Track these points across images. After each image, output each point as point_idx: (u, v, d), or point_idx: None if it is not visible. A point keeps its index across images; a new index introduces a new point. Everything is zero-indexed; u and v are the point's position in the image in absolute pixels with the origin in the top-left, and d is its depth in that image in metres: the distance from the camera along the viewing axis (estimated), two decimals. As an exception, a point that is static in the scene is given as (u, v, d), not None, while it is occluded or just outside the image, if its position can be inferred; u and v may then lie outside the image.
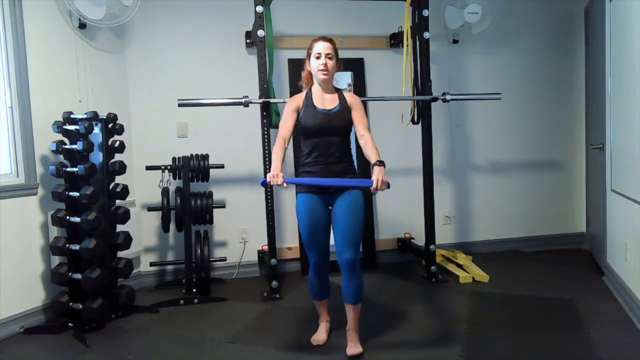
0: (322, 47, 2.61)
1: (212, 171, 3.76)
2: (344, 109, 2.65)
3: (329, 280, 2.76)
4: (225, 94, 3.65)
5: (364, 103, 4.22)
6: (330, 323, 2.81)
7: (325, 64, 2.59)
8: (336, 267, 2.62)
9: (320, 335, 2.74)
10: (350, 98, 2.70)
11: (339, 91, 2.72)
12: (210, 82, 4.04)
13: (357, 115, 2.66)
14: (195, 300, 3.49)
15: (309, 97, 2.67)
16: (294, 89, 4.17)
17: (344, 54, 4.23)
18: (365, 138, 2.60)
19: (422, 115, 3.77)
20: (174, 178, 3.70)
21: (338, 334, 2.78)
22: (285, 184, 2.43)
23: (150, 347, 2.79)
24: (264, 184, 2.50)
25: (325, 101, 2.65)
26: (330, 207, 2.63)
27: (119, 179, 3.34)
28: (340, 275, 2.59)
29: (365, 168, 4.29)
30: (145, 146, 3.96)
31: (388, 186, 2.44)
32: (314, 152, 2.61)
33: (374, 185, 2.42)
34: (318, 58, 2.61)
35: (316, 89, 2.68)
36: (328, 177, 2.58)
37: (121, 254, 3.34)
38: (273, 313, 3.27)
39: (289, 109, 2.66)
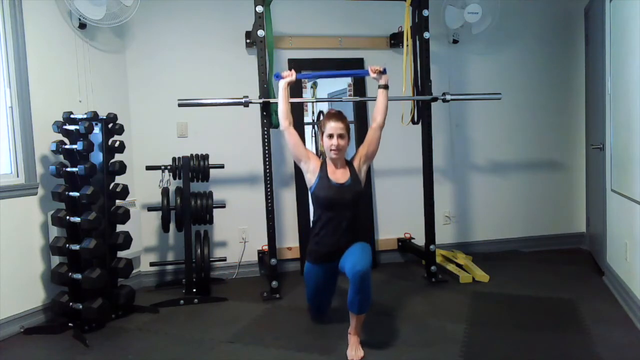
0: (333, 127, 2.77)
1: (212, 171, 3.76)
2: (355, 180, 2.85)
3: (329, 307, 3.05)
4: (225, 94, 3.65)
5: (364, 103, 4.26)
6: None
7: (338, 145, 2.77)
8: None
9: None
10: (356, 162, 2.90)
11: (349, 164, 2.89)
12: (210, 82, 4.04)
13: (362, 148, 2.95)
14: (195, 300, 3.49)
15: (324, 168, 2.84)
16: (294, 89, 4.17)
17: (344, 54, 4.28)
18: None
19: (422, 115, 3.76)
20: (174, 178, 3.70)
21: (338, 333, 2.78)
22: (294, 78, 3.02)
23: (150, 347, 2.79)
24: (278, 76, 3.03)
25: (338, 175, 2.83)
26: (337, 263, 2.80)
27: (119, 179, 3.34)
28: (345, 276, 2.62)
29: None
30: (145, 146, 3.95)
31: (384, 71, 2.96)
32: (327, 224, 2.80)
33: (370, 69, 2.99)
34: (330, 137, 2.78)
35: (329, 162, 2.85)
36: (337, 246, 2.78)
37: (121, 254, 3.34)
38: (273, 313, 3.27)
39: (311, 152, 2.93)
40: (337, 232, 2.78)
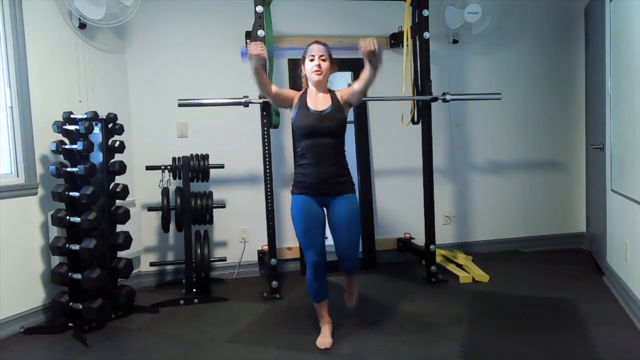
0: (315, 49, 2.70)
1: (212, 171, 3.76)
2: (337, 108, 2.70)
3: (327, 280, 2.77)
4: (225, 94, 3.65)
5: (364, 103, 4.25)
6: (332, 324, 2.81)
7: (319, 65, 2.67)
8: (333, 267, 2.65)
9: (325, 339, 2.71)
10: (340, 92, 2.77)
11: (331, 92, 2.77)
12: (210, 82, 4.04)
13: (350, 88, 2.75)
14: (195, 300, 3.49)
15: (303, 97, 2.74)
16: (294, 89, 4.16)
17: (344, 54, 4.26)
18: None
19: (422, 115, 3.76)
20: (174, 178, 3.70)
21: (338, 333, 2.78)
22: (263, 54, 2.46)
23: (150, 347, 2.79)
24: (244, 55, 2.55)
25: (318, 102, 2.70)
26: (325, 208, 2.72)
27: (119, 179, 3.34)
28: (338, 275, 2.67)
29: (363, 173, 4.30)
30: (145, 146, 3.96)
31: (379, 48, 2.46)
32: (307, 154, 2.67)
33: (362, 46, 2.44)
34: (312, 60, 2.68)
35: (310, 90, 2.75)
36: (321, 180, 2.66)
37: (121, 254, 3.34)
38: (273, 313, 3.27)
39: (288, 90, 2.85)
40: (320, 162, 2.64)
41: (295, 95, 2.77)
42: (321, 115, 2.66)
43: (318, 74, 2.67)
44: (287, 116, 4.06)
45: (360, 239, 2.73)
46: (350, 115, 4.29)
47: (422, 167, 3.79)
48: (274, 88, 2.73)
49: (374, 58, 2.51)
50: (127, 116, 3.90)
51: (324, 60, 2.68)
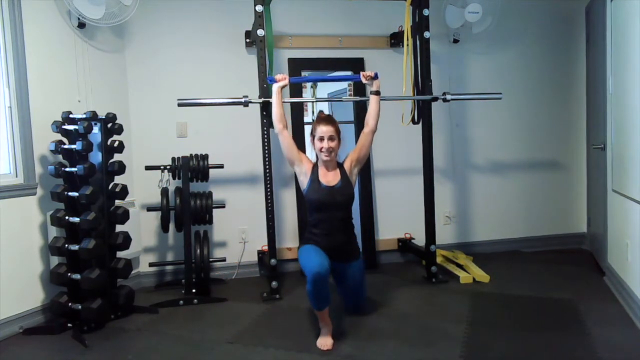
0: (324, 130, 2.86)
1: (211, 171, 3.75)
2: (346, 183, 2.92)
3: (329, 289, 2.71)
4: (225, 93, 3.64)
5: (364, 103, 4.24)
6: (333, 326, 2.78)
7: (328, 147, 2.86)
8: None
9: (326, 340, 2.68)
10: (347, 164, 2.98)
11: (340, 166, 2.96)
12: (210, 82, 4.03)
13: (353, 152, 3.03)
14: (195, 300, 3.49)
15: (315, 171, 2.93)
16: (294, 89, 4.17)
17: (344, 54, 4.27)
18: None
19: (422, 115, 3.76)
20: (174, 178, 3.69)
21: (338, 333, 2.77)
22: (288, 82, 3.07)
23: (150, 347, 2.78)
24: (272, 80, 3.08)
25: (329, 177, 2.92)
26: (333, 263, 2.88)
27: (118, 179, 3.33)
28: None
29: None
30: (144, 146, 3.95)
31: (376, 76, 3.02)
32: (319, 226, 2.90)
33: (362, 75, 3.05)
34: (321, 140, 2.87)
35: (321, 165, 2.93)
36: (332, 247, 2.87)
37: (120, 254, 3.33)
38: (273, 313, 3.26)
39: (300, 152, 3.00)
40: (330, 232, 2.89)
41: (309, 164, 2.97)
42: (332, 190, 2.89)
43: (327, 156, 2.88)
44: (288, 117, 4.06)
45: (366, 289, 3.11)
46: (350, 115, 4.32)
47: (422, 167, 3.79)
48: (287, 133, 2.98)
49: (374, 82, 3.03)
50: (127, 116, 3.89)
51: (332, 139, 2.87)
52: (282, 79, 3.06)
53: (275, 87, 3.04)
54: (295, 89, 4.18)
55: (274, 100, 3.03)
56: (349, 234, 2.98)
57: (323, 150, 2.87)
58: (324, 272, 2.64)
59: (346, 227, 2.95)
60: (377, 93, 3.07)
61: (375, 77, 3.04)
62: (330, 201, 2.88)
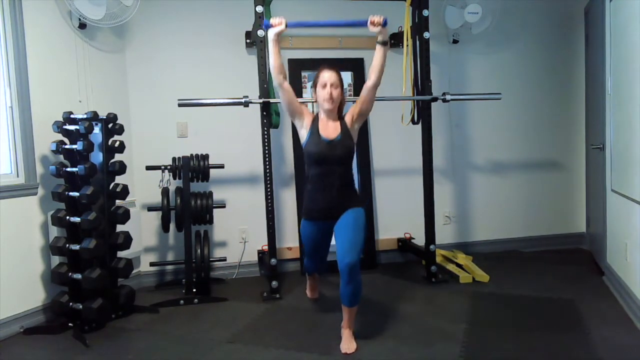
0: (327, 76, 2.72)
1: (212, 171, 3.76)
2: (347, 136, 2.78)
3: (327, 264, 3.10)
4: (225, 94, 3.65)
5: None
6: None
7: (331, 94, 2.70)
8: (336, 269, 2.64)
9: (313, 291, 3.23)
10: (348, 118, 2.82)
11: (341, 119, 2.83)
12: (210, 82, 4.04)
13: (355, 105, 2.85)
14: (195, 300, 3.49)
15: (315, 123, 2.80)
16: (294, 89, 4.14)
17: (344, 54, 4.27)
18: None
19: (422, 115, 3.76)
20: (174, 178, 3.70)
21: (338, 333, 2.77)
22: (285, 27, 2.71)
23: (150, 347, 2.79)
24: (267, 25, 2.73)
25: (329, 130, 2.78)
26: (333, 222, 2.78)
27: (119, 179, 3.34)
28: (339, 276, 2.63)
29: (364, 184, 4.30)
30: (145, 146, 3.95)
31: (385, 23, 2.68)
32: (317, 181, 2.76)
33: (369, 20, 2.69)
34: (324, 87, 2.72)
35: (322, 116, 2.81)
36: (329, 206, 2.76)
37: (121, 254, 3.34)
38: (273, 313, 3.27)
39: (302, 104, 2.85)
40: (328, 188, 2.74)
41: (310, 117, 2.82)
42: (332, 143, 2.74)
43: (330, 103, 2.72)
44: (288, 116, 4.07)
45: (362, 245, 2.68)
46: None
47: (422, 167, 3.79)
48: (288, 84, 2.79)
49: (382, 29, 2.70)
50: (127, 116, 3.90)
51: (335, 87, 2.73)
52: (278, 23, 2.70)
53: (271, 34, 2.72)
54: (296, 89, 4.17)
55: (271, 49, 2.73)
56: (348, 188, 2.79)
57: (326, 97, 2.70)
58: (321, 267, 3.10)
59: (345, 183, 2.77)
60: (385, 43, 2.76)
61: (385, 23, 2.69)
62: (330, 154, 2.72)
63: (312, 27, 4.18)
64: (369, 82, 2.80)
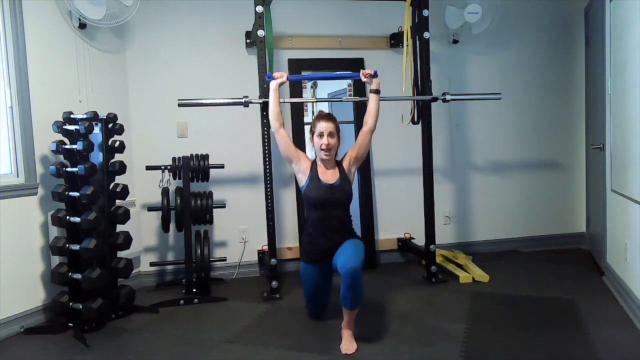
0: (323, 127, 2.85)
1: (212, 171, 3.76)
2: (345, 181, 2.90)
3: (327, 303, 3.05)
4: (225, 94, 3.65)
5: (364, 103, 4.24)
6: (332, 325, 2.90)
7: (328, 144, 2.84)
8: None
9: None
10: (346, 163, 2.96)
11: (339, 165, 2.94)
12: (210, 82, 4.04)
13: (350, 151, 3.00)
14: (195, 300, 3.49)
15: (314, 169, 2.90)
16: (294, 89, 4.18)
17: (344, 54, 4.28)
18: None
19: (422, 115, 3.76)
20: (174, 178, 3.70)
21: (338, 333, 2.77)
22: (287, 80, 3.07)
23: (150, 347, 2.79)
24: (270, 77, 3.07)
25: (328, 175, 2.89)
26: (331, 266, 2.85)
27: (119, 179, 3.34)
28: (339, 275, 2.66)
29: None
30: (145, 146, 3.95)
31: (375, 74, 3.00)
32: (318, 224, 2.86)
33: (362, 73, 3.02)
34: (320, 137, 2.84)
35: (319, 163, 2.91)
36: (330, 245, 2.84)
37: (121, 254, 3.34)
38: (273, 313, 3.27)
39: (298, 150, 2.97)
40: (328, 231, 2.85)
41: (307, 162, 2.93)
42: (331, 188, 2.86)
43: (327, 154, 2.86)
44: (288, 117, 4.07)
45: (363, 259, 2.71)
46: (350, 115, 4.32)
47: (422, 167, 3.79)
48: (284, 131, 2.96)
49: (373, 80, 3.00)
50: (127, 116, 3.90)
51: (331, 136, 2.85)
52: (280, 76, 3.04)
53: (272, 85, 3.04)
54: (295, 89, 4.19)
55: (271, 97, 3.02)
56: (347, 231, 2.92)
57: (323, 147, 2.84)
58: (319, 311, 3.06)
59: (344, 226, 2.90)
60: (377, 92, 3.04)
61: (375, 75, 3.01)
62: (330, 199, 2.85)
63: (312, 28, 4.21)
64: (366, 127, 2.99)
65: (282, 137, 2.94)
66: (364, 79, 3.04)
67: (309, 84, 4.39)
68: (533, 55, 4.61)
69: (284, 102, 3.34)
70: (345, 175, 2.92)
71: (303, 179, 2.91)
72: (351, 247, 2.77)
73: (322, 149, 2.85)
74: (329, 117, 2.91)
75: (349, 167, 2.96)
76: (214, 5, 4.06)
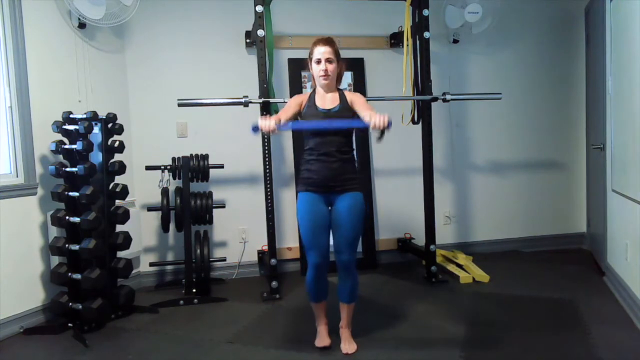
0: (321, 51, 2.62)
1: (211, 171, 3.76)
2: (345, 108, 2.66)
3: (327, 281, 2.71)
4: (225, 94, 3.65)
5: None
6: (328, 324, 2.76)
7: (326, 69, 2.62)
8: (333, 267, 2.64)
9: (324, 340, 2.69)
10: (351, 95, 2.71)
11: (340, 91, 2.74)
12: (210, 82, 4.04)
13: (359, 105, 2.64)
14: (195, 300, 3.49)
15: (312, 97, 2.71)
16: (294, 89, 4.17)
17: (344, 54, 4.22)
18: (370, 113, 2.48)
19: (422, 115, 3.76)
20: (174, 178, 3.70)
21: (337, 334, 2.77)
22: (277, 130, 2.42)
23: (150, 347, 2.79)
24: (256, 129, 2.41)
25: (327, 101, 2.68)
26: (330, 207, 2.65)
27: (118, 179, 3.34)
28: (337, 275, 2.65)
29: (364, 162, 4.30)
30: (145, 146, 3.95)
31: (389, 124, 2.31)
32: (315, 151, 2.62)
33: (372, 123, 2.33)
34: (318, 63, 2.63)
35: (319, 90, 2.72)
36: (328, 175, 2.59)
37: (121, 254, 3.34)
38: (273, 313, 3.26)
39: (293, 101, 2.71)
40: (327, 158, 2.60)
41: (303, 98, 2.73)
42: (329, 113, 2.64)
43: (325, 79, 2.64)
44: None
45: (359, 239, 2.65)
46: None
47: (422, 167, 3.79)
48: (283, 117, 2.61)
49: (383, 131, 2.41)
50: (127, 116, 3.90)
51: (330, 62, 2.63)
52: (267, 127, 2.40)
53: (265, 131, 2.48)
54: (295, 89, 4.18)
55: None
56: (348, 162, 2.64)
57: (321, 73, 2.61)
58: (324, 262, 2.61)
59: (344, 154, 2.62)
60: (382, 135, 2.49)
61: (388, 126, 2.32)
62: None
63: (312, 28, 4.21)
64: (360, 113, 2.60)
65: (288, 120, 2.64)
66: (372, 130, 2.46)
67: (309, 84, 4.38)
68: (533, 55, 4.61)
69: (283, 102, 3.32)
70: (346, 103, 2.66)
71: (302, 111, 2.70)
72: (349, 223, 2.57)
73: (321, 75, 2.62)
74: (327, 41, 2.64)
75: (351, 101, 2.67)
76: (214, 5, 4.06)
